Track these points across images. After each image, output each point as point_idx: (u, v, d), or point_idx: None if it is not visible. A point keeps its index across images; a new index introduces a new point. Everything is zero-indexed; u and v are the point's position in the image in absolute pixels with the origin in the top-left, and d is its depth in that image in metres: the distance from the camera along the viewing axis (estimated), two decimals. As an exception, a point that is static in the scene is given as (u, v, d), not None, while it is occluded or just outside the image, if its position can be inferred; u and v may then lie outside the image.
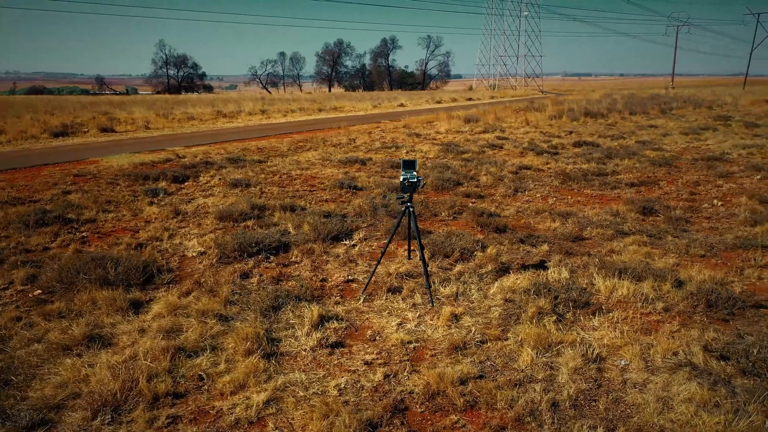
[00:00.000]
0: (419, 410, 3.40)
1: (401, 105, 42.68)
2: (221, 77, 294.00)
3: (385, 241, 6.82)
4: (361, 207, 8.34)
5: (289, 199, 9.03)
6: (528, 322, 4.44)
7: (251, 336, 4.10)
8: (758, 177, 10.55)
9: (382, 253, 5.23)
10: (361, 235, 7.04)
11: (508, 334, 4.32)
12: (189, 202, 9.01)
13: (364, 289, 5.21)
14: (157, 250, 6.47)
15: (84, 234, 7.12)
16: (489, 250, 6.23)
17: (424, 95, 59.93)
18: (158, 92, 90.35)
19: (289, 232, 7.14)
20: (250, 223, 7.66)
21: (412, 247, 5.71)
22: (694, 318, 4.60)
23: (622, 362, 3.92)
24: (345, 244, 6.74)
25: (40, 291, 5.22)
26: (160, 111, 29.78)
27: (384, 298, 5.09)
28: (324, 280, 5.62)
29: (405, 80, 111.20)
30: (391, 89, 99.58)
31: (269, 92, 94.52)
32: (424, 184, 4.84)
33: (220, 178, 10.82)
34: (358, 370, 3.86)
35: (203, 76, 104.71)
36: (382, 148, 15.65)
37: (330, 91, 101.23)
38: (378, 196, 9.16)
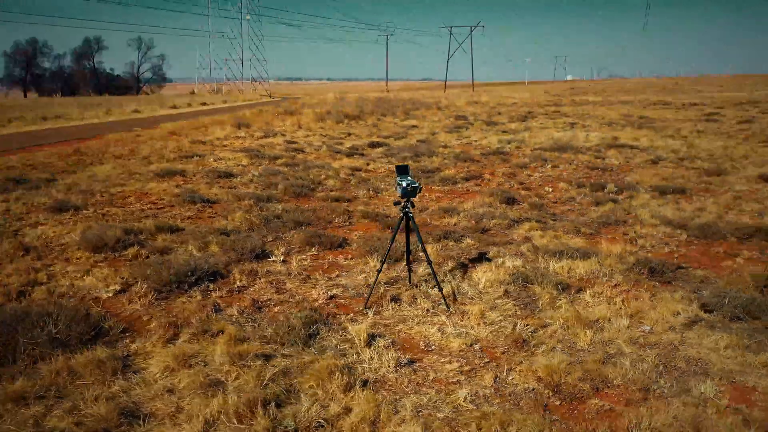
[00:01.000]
0: (557, 403, 3.51)
1: (136, 111, 38.97)
2: None
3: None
4: (249, 220, 7.72)
5: (148, 220, 7.84)
6: (551, 308, 4.82)
7: (333, 368, 3.67)
8: (549, 166, 12.63)
9: (382, 263, 5.07)
10: (281, 250, 6.56)
11: (546, 321, 4.62)
12: (15, 235, 7.19)
13: (366, 303, 4.99)
14: (57, 296, 5.15)
15: None
16: (429, 248, 6.41)
17: (153, 100, 55.93)
18: None
19: (196, 255, 6.30)
20: (133, 251, 6.51)
21: (410, 258, 5.55)
22: (648, 284, 5.50)
23: (646, 328, 4.55)
24: (274, 261, 6.25)
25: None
26: None
27: (391, 308, 4.94)
28: (303, 300, 5.18)
29: (114, 84, 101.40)
30: (100, 94, 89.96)
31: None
32: (421, 189, 4.87)
33: (24, 203, 8.80)
34: (460, 380, 3.77)
35: None
36: (181, 157, 14.38)
37: (25, 96, 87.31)
38: (253, 207, 8.55)
